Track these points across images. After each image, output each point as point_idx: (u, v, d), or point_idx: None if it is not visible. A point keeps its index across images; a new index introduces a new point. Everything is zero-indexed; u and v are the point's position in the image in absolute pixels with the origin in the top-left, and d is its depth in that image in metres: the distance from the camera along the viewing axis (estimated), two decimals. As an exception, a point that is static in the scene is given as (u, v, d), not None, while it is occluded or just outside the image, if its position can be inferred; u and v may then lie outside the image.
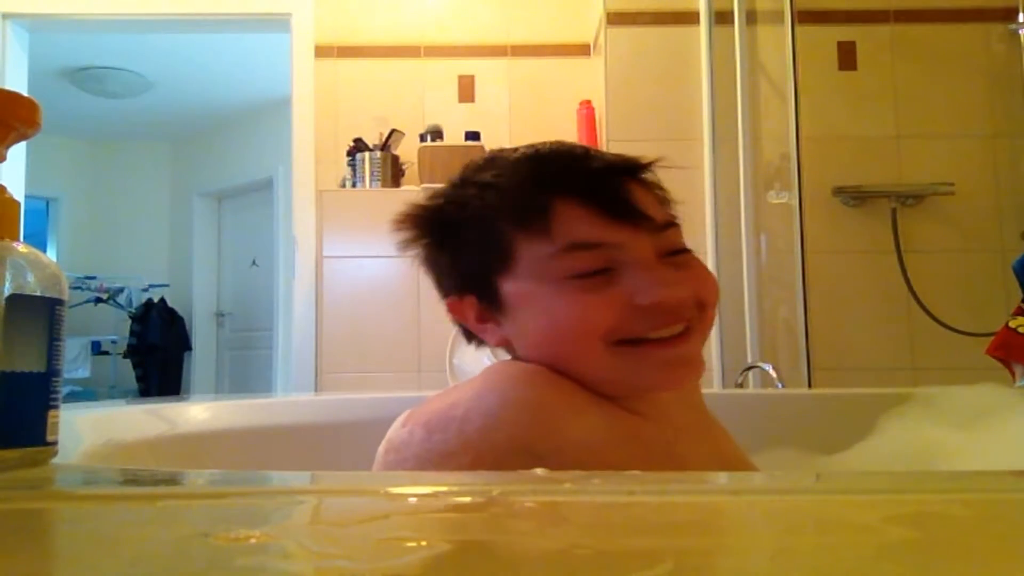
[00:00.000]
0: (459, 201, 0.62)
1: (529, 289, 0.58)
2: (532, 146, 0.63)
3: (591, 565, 0.24)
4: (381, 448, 0.57)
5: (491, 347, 0.65)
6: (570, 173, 0.59)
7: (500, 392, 0.54)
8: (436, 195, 0.64)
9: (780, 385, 1.72)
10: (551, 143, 0.63)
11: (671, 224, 0.60)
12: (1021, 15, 2.22)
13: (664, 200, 0.63)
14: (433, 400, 0.58)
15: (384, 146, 2.51)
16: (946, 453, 0.97)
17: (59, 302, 0.42)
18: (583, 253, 0.56)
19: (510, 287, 0.59)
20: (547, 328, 0.58)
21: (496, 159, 0.63)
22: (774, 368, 1.75)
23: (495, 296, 0.60)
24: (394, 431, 0.57)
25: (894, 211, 2.26)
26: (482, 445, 0.51)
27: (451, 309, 0.64)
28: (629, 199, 0.58)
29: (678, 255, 0.60)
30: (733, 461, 0.66)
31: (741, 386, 1.83)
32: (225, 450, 1.04)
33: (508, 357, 0.65)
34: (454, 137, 2.53)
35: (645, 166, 0.61)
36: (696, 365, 0.59)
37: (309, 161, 2.67)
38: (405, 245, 0.64)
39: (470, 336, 0.66)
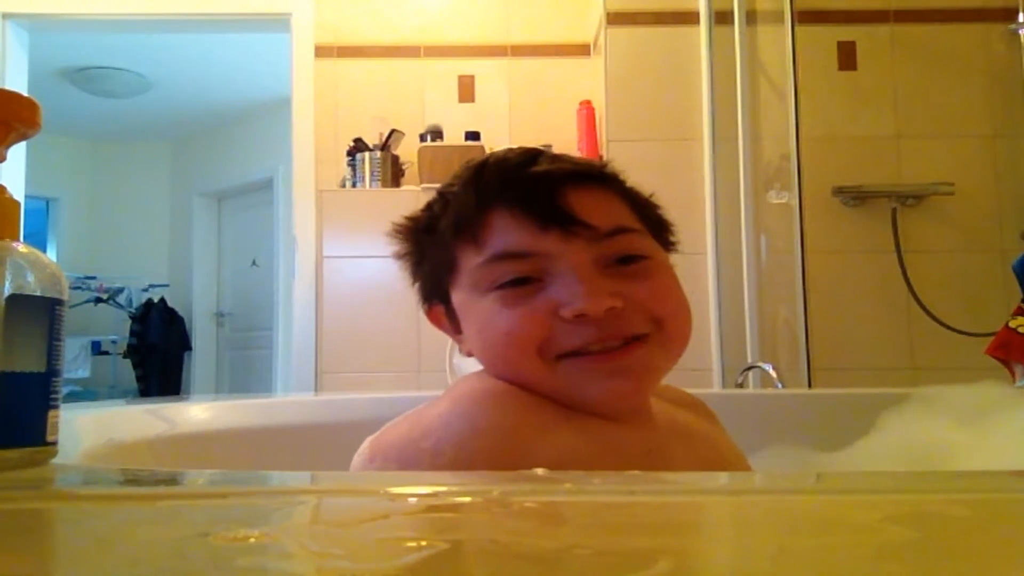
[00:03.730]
0: (429, 211, 0.63)
1: (467, 300, 0.58)
2: (493, 153, 0.62)
3: (591, 565, 0.24)
4: None
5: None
6: (504, 181, 0.57)
7: (469, 419, 0.52)
8: (427, 204, 0.65)
9: (780, 385, 1.72)
10: (518, 149, 0.61)
11: (621, 230, 0.56)
12: (1021, 15, 2.22)
13: (638, 204, 0.60)
14: (398, 426, 0.55)
15: (384, 146, 2.51)
16: (946, 452, 0.97)
17: (59, 302, 0.42)
18: (508, 263, 0.55)
19: (455, 298, 0.60)
20: (481, 340, 0.58)
21: (465, 167, 0.62)
22: (774, 368, 1.75)
23: (451, 307, 0.61)
24: (361, 465, 0.55)
25: (894, 211, 2.26)
26: None
27: (428, 317, 0.65)
28: (562, 205, 0.55)
29: (631, 264, 0.56)
30: (729, 469, 0.65)
31: (741, 386, 1.83)
32: (225, 450, 1.04)
33: None
34: (454, 137, 2.53)
35: (597, 172, 0.59)
36: (636, 378, 0.55)
37: (309, 161, 2.67)
38: (396, 255, 0.66)
39: None
